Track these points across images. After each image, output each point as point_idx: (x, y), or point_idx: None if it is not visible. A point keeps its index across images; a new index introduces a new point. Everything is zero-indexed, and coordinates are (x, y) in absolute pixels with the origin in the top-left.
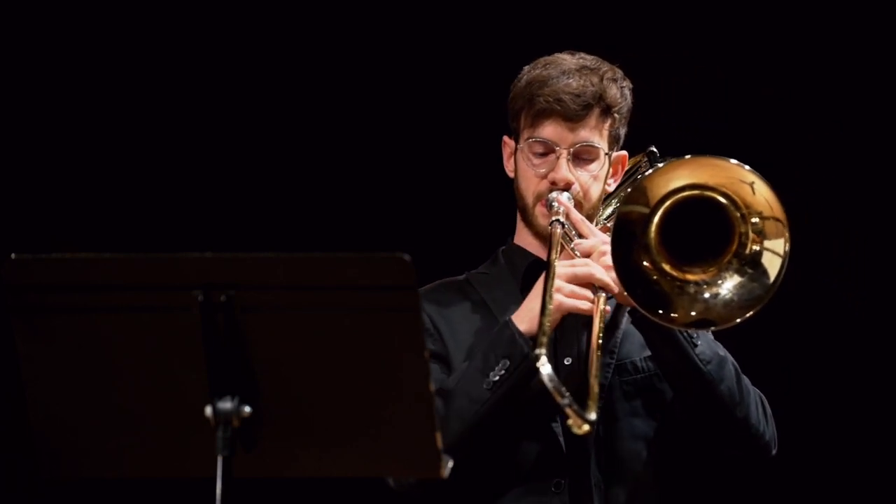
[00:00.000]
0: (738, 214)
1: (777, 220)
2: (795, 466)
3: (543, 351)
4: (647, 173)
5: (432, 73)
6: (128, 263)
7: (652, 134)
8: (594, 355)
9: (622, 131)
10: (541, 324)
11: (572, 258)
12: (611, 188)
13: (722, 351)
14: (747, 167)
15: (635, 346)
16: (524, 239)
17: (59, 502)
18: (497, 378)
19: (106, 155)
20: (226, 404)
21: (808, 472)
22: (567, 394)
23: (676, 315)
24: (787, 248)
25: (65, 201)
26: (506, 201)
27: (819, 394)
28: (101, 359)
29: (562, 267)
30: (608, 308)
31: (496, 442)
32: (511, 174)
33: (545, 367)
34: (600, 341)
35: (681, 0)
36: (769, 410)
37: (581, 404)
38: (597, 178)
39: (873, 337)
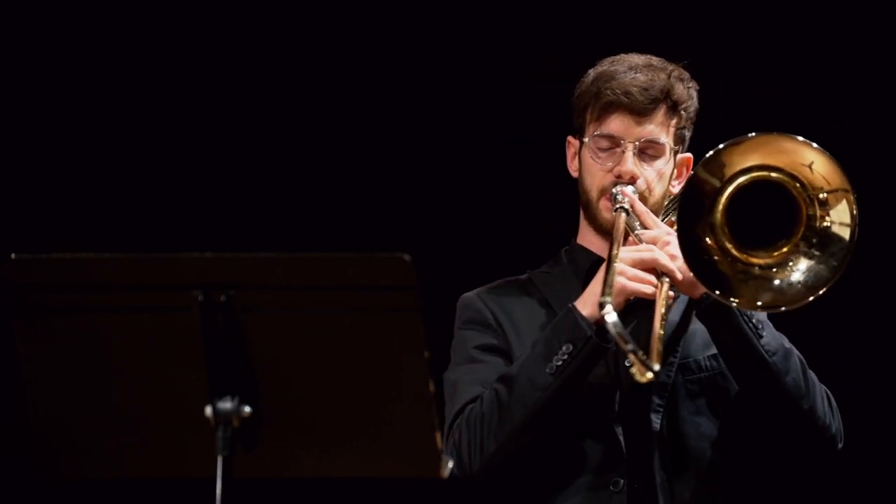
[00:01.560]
0: (806, 195)
1: (838, 190)
2: (862, 466)
3: (609, 299)
4: (726, 143)
5: (432, 73)
6: (128, 263)
7: None
8: (656, 335)
9: (688, 133)
10: (605, 282)
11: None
12: (675, 189)
13: (787, 343)
14: (812, 144)
15: (699, 345)
16: (587, 238)
17: (59, 502)
18: (560, 363)
19: (106, 155)
20: (226, 404)
21: (874, 471)
22: (632, 341)
23: (740, 299)
24: (854, 212)
25: (65, 201)
26: (506, 201)
27: (884, 393)
28: (101, 359)
29: (626, 251)
30: (672, 294)
31: (557, 434)
32: (574, 174)
33: (611, 315)
34: (663, 322)
35: (680, 0)
36: (835, 405)
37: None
38: (661, 175)
39: None
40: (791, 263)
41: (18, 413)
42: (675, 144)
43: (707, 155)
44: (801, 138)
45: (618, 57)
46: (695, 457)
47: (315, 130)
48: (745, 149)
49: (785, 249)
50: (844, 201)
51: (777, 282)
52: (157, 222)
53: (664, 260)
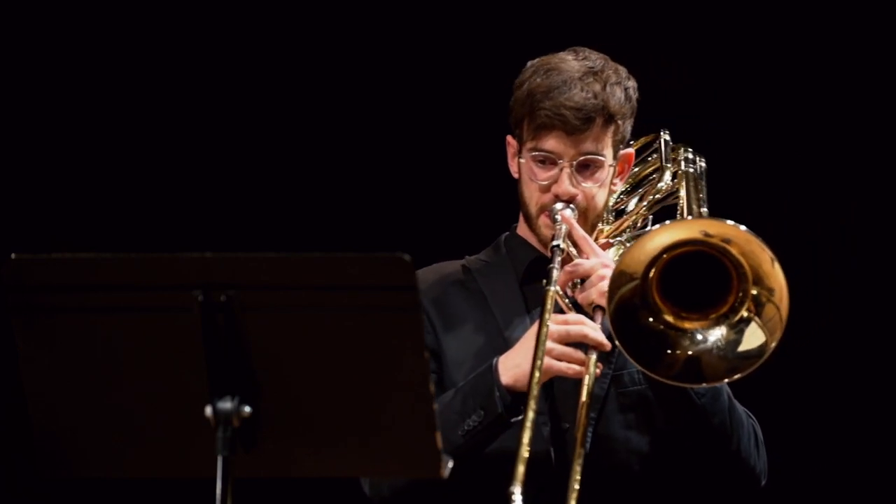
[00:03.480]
0: (741, 273)
1: (779, 310)
2: (787, 494)
3: (518, 488)
4: (621, 253)
5: (431, 73)
6: (128, 263)
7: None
8: (580, 432)
9: (628, 132)
10: (520, 442)
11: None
12: (617, 188)
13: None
14: (763, 242)
15: None
16: (527, 233)
17: (59, 502)
18: (470, 428)
19: (106, 155)
20: (226, 404)
21: (787, 470)
22: None
23: (672, 363)
24: (772, 345)
25: (65, 201)
26: (505, 199)
27: (797, 389)
28: (101, 359)
29: (555, 325)
30: (599, 370)
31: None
32: (515, 174)
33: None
34: (592, 415)
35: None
36: (761, 439)
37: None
38: (602, 186)
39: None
40: (713, 333)
41: (18, 413)
42: (615, 152)
43: (614, 273)
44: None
45: (554, 62)
46: (622, 470)
47: (315, 131)
48: (681, 226)
49: (710, 319)
50: (777, 314)
51: (702, 346)
52: (157, 222)
53: (593, 334)
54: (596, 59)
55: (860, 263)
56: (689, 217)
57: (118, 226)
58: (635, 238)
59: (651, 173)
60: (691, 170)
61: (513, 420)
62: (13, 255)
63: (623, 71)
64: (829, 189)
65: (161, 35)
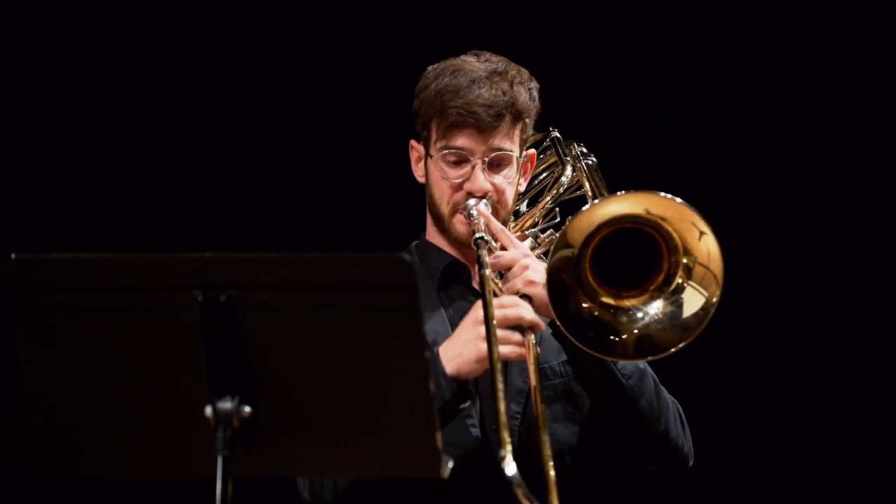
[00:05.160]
0: (671, 245)
1: (710, 271)
2: (713, 477)
3: (508, 451)
4: (568, 220)
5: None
6: (128, 263)
7: (648, 134)
8: (540, 407)
9: (530, 132)
10: (497, 411)
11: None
12: (522, 187)
13: (642, 364)
14: (700, 216)
15: (552, 350)
16: (437, 239)
17: (59, 502)
18: None
19: (106, 155)
20: (226, 404)
21: (727, 482)
22: (535, 499)
23: (624, 344)
24: (713, 298)
25: (65, 201)
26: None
27: (797, 389)
28: (101, 359)
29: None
30: (539, 349)
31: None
32: (421, 180)
33: (510, 468)
34: (516, 409)
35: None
36: (685, 422)
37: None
38: (511, 183)
39: (795, 339)
40: (652, 307)
41: (18, 413)
42: (520, 149)
43: (554, 240)
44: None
45: (457, 64)
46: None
47: (315, 131)
48: (622, 199)
49: (647, 293)
50: (708, 273)
51: (644, 321)
52: (157, 222)
53: (529, 315)
54: (498, 60)
55: (860, 263)
56: (632, 191)
57: (118, 226)
58: (580, 211)
59: (545, 169)
60: (590, 162)
61: (461, 406)
62: (13, 255)
63: (525, 72)
64: (829, 189)
65: (161, 35)
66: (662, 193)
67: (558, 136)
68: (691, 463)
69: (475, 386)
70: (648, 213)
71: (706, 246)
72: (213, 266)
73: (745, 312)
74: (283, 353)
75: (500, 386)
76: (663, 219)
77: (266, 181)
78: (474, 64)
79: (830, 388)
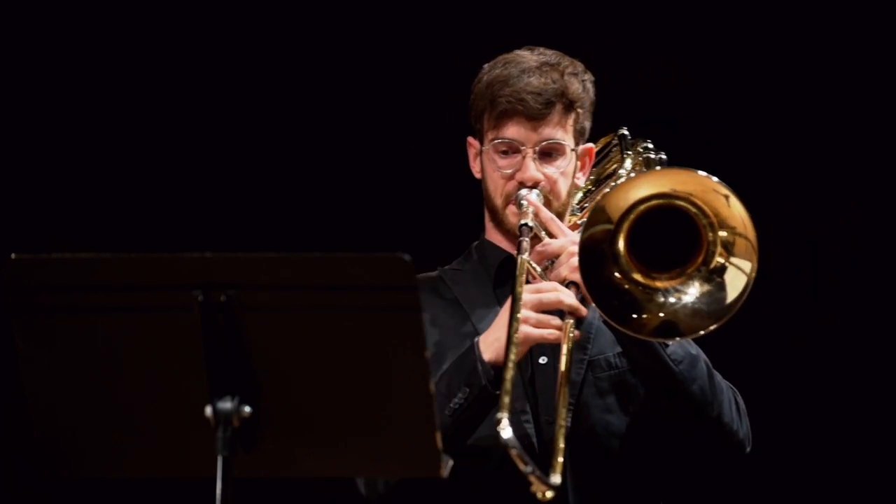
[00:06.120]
0: (706, 223)
1: (748, 239)
2: (772, 464)
3: (505, 414)
4: (605, 191)
5: (432, 74)
6: (128, 263)
7: (648, 134)
8: (562, 390)
9: (587, 125)
10: (504, 378)
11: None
12: (580, 181)
13: (694, 349)
14: (719, 181)
15: (608, 342)
16: (495, 236)
17: (59, 502)
18: (457, 406)
19: (106, 155)
20: (226, 404)
21: (785, 468)
22: (529, 460)
23: (644, 324)
24: (753, 272)
25: (65, 201)
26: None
27: (797, 389)
28: (101, 359)
29: (529, 294)
30: (577, 333)
31: (468, 436)
32: (477, 175)
33: (506, 431)
34: (570, 400)
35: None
36: (743, 407)
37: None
38: (564, 174)
39: (852, 334)
40: (688, 288)
41: (18, 413)
42: (576, 141)
43: (589, 212)
44: (716, 178)
45: (510, 57)
46: (603, 454)
47: (315, 131)
48: (631, 186)
49: (684, 274)
50: (749, 248)
51: (675, 303)
52: (157, 222)
53: (568, 299)
54: (552, 53)
55: (860, 263)
56: (657, 168)
57: (118, 226)
58: (610, 188)
59: (615, 169)
60: (651, 156)
61: (497, 392)
62: (13, 255)
63: (580, 65)
64: (829, 189)
65: (161, 35)
66: (676, 168)
67: (626, 132)
68: (748, 449)
69: (531, 385)
70: (675, 191)
71: (737, 210)
72: (213, 266)
73: (745, 313)
74: (283, 353)
75: (513, 357)
76: (691, 194)
77: (266, 181)
78: (527, 56)
79: (830, 387)
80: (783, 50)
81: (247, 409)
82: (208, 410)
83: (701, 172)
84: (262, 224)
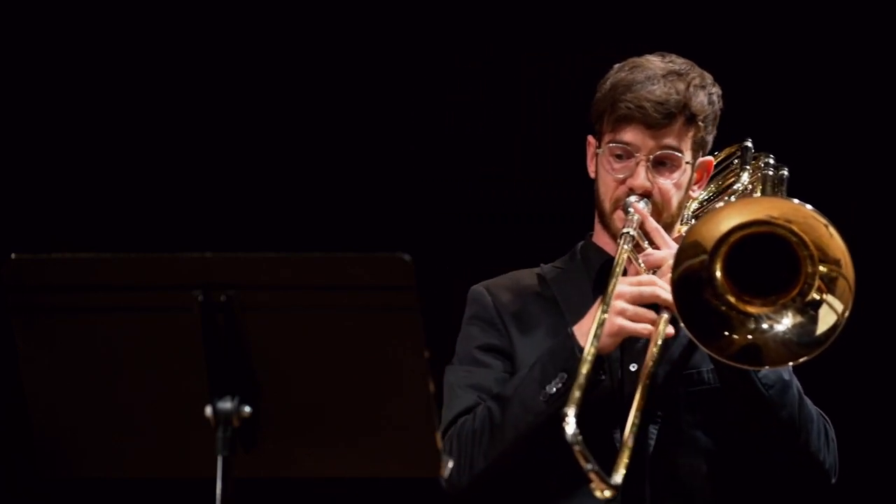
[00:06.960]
0: (807, 254)
1: (846, 279)
2: (856, 495)
3: (572, 410)
4: (692, 224)
5: (432, 74)
6: (128, 263)
7: None
8: (642, 385)
9: (709, 138)
10: (578, 372)
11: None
12: (695, 194)
13: (787, 374)
14: (814, 209)
15: (703, 357)
16: (601, 238)
17: (59, 502)
18: (554, 391)
19: (105, 155)
20: (226, 404)
21: (868, 499)
22: (591, 457)
23: (729, 344)
24: (846, 311)
25: (65, 201)
26: (505, 200)
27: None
28: (101, 359)
29: (627, 286)
30: (671, 331)
31: (553, 443)
32: (592, 175)
33: (570, 427)
34: (659, 413)
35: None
36: (833, 436)
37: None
38: (678, 186)
39: None
40: (780, 318)
41: (18, 413)
42: (694, 154)
43: (680, 246)
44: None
45: (638, 61)
46: (687, 469)
47: (315, 131)
48: (718, 215)
49: (777, 303)
50: (847, 289)
51: (766, 330)
52: (157, 222)
53: (665, 294)
54: (682, 62)
55: (860, 263)
56: (756, 195)
57: (118, 226)
58: (704, 214)
59: (734, 182)
60: (770, 172)
61: (602, 378)
62: (13, 255)
63: (709, 77)
64: (829, 189)
65: (161, 35)
66: (781, 197)
67: (749, 145)
68: (834, 480)
69: (620, 391)
70: (772, 217)
71: (837, 244)
72: (213, 266)
73: None
74: (284, 353)
75: (592, 350)
76: (790, 221)
77: (266, 181)
78: (655, 62)
79: (831, 387)
80: (783, 50)
81: (247, 409)
82: (208, 410)
83: (795, 201)
84: (262, 224)
